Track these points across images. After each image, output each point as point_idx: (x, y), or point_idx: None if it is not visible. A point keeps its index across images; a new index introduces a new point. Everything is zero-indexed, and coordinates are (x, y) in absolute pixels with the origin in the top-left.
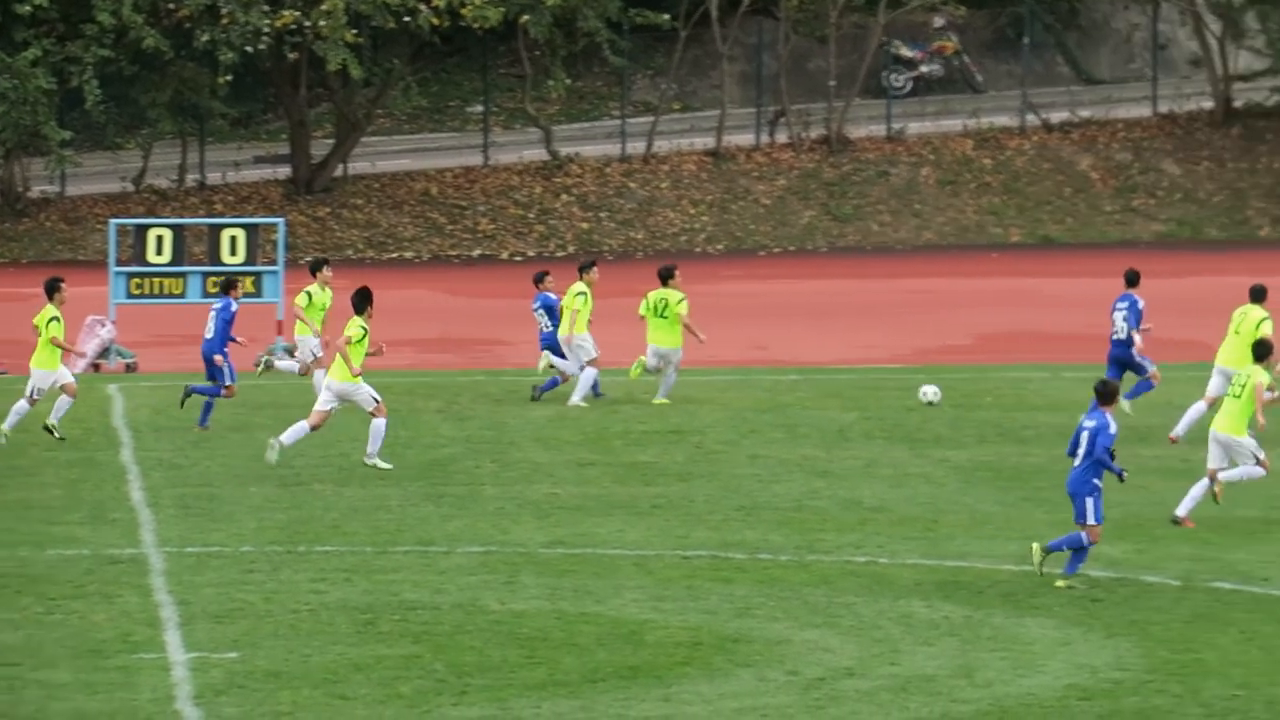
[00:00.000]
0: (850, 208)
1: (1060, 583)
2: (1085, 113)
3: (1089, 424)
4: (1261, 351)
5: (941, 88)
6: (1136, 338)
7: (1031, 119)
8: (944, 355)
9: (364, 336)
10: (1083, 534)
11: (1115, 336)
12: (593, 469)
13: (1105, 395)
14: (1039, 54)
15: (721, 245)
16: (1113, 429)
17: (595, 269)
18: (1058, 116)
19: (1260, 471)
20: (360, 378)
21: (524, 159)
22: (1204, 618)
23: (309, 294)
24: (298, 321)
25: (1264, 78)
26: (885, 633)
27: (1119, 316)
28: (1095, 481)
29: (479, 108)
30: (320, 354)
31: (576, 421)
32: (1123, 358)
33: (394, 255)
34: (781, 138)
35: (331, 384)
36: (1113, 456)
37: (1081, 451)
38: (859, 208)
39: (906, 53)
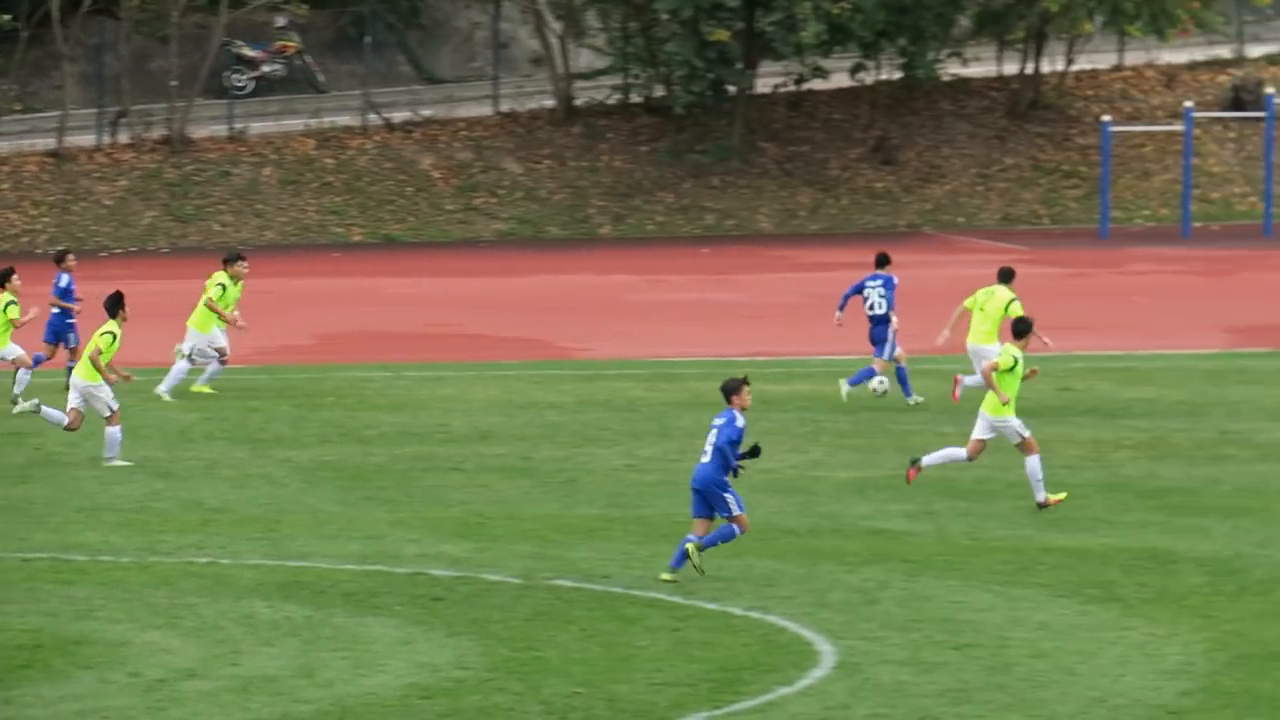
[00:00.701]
0: (192, 208)
1: (695, 558)
2: (427, 112)
3: (718, 421)
4: (1021, 329)
5: (284, 87)
6: (894, 319)
7: (373, 118)
8: (285, 355)
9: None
10: (734, 526)
11: (872, 313)
12: None
13: (727, 392)
14: (381, 53)
15: (63, 247)
16: (739, 423)
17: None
18: (400, 116)
19: (961, 454)
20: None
21: None
22: (545, 615)
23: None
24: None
25: (605, 76)
26: (227, 633)
27: (875, 294)
28: (724, 477)
29: None
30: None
31: None
32: (880, 336)
33: None
34: (123, 138)
35: (78, 382)
36: (756, 453)
37: (709, 448)
38: (201, 208)
39: (248, 53)
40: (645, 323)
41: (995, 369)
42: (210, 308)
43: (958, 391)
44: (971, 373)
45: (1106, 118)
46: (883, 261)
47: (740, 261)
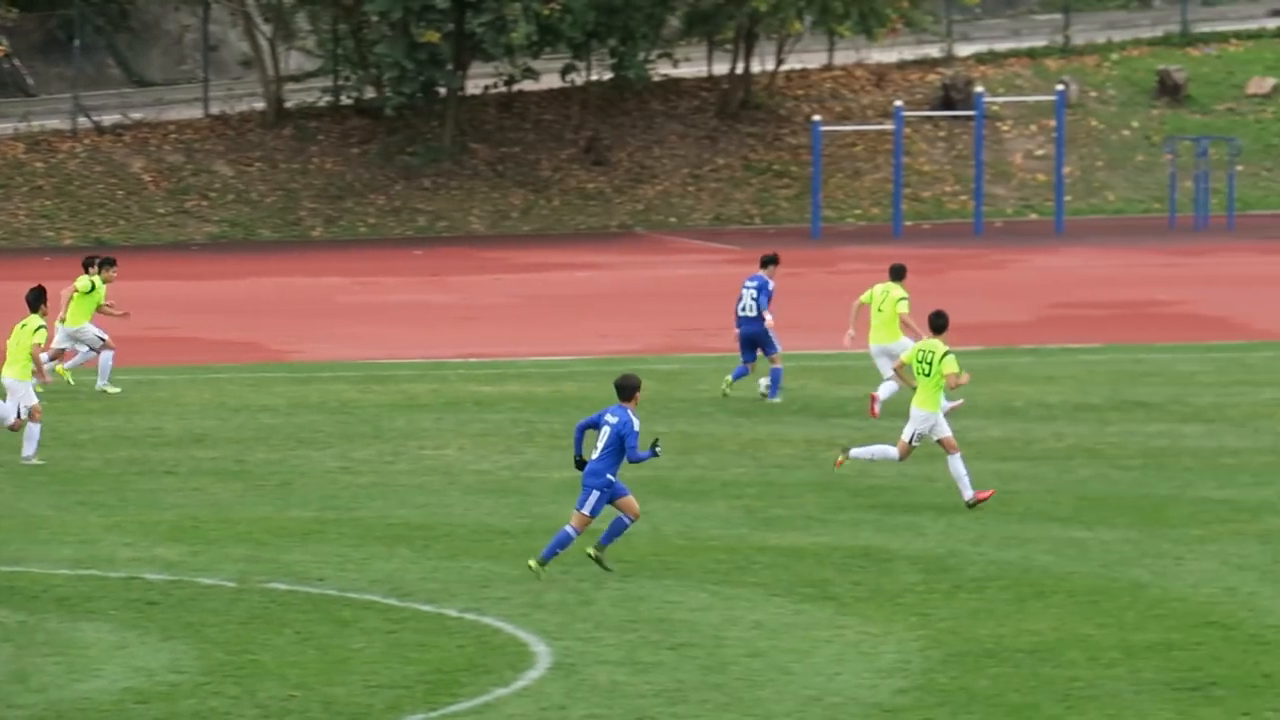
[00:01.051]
0: None
1: (590, 550)
2: (137, 115)
3: (611, 419)
4: (941, 323)
5: None
6: (768, 316)
7: (83, 121)
8: None
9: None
10: (572, 531)
11: (744, 314)
12: None
13: (623, 391)
14: (90, 56)
15: None
16: (636, 426)
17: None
18: (110, 119)
19: (893, 452)
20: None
21: None
22: (260, 619)
23: None
24: None
25: (315, 78)
26: None
27: (749, 295)
28: (609, 476)
29: None
30: None
31: None
32: (754, 335)
33: None
34: None
35: (8, 380)
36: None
37: (601, 445)
38: None
39: None
40: (358, 325)
41: (957, 373)
42: (102, 308)
43: (875, 408)
44: (878, 374)
45: (817, 117)
46: (766, 262)
47: (452, 263)
